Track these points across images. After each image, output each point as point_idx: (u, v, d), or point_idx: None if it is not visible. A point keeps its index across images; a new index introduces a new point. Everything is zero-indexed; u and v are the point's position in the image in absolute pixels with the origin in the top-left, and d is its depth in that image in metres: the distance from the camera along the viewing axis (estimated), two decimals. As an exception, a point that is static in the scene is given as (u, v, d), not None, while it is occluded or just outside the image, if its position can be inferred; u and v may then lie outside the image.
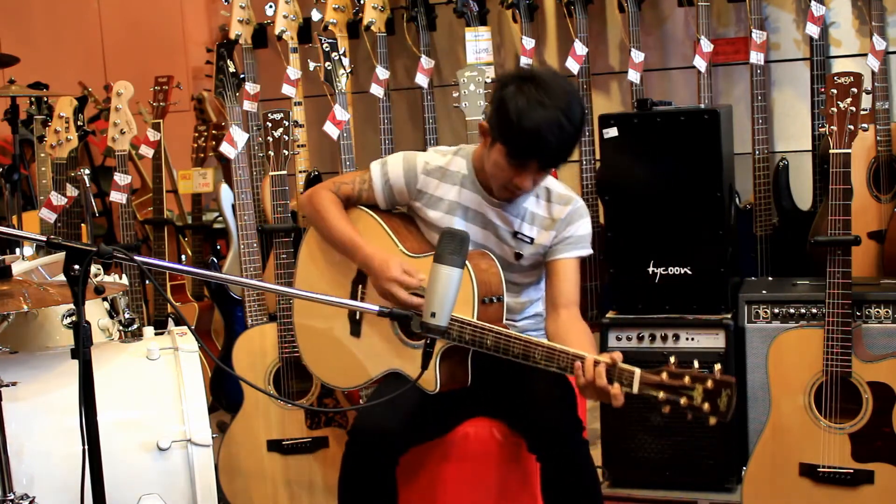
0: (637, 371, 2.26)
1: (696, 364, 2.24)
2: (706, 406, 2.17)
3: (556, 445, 2.54)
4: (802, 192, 3.84)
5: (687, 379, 2.20)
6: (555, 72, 2.61)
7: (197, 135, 4.72)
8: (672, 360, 2.26)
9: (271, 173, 3.33)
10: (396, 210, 2.87)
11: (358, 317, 2.80)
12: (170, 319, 4.16)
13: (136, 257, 2.01)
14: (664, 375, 2.22)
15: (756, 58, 3.76)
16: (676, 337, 3.34)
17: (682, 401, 2.20)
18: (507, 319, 2.75)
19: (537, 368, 2.46)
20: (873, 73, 3.55)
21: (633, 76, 3.91)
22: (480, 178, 2.71)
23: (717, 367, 2.23)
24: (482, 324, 2.49)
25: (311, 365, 2.95)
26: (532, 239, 2.70)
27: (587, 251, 2.73)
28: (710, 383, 2.18)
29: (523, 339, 2.45)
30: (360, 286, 2.81)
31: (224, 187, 4.46)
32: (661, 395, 2.22)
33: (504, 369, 2.72)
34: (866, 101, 2.98)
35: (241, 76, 3.71)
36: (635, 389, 2.25)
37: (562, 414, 2.59)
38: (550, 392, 2.64)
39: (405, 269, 2.60)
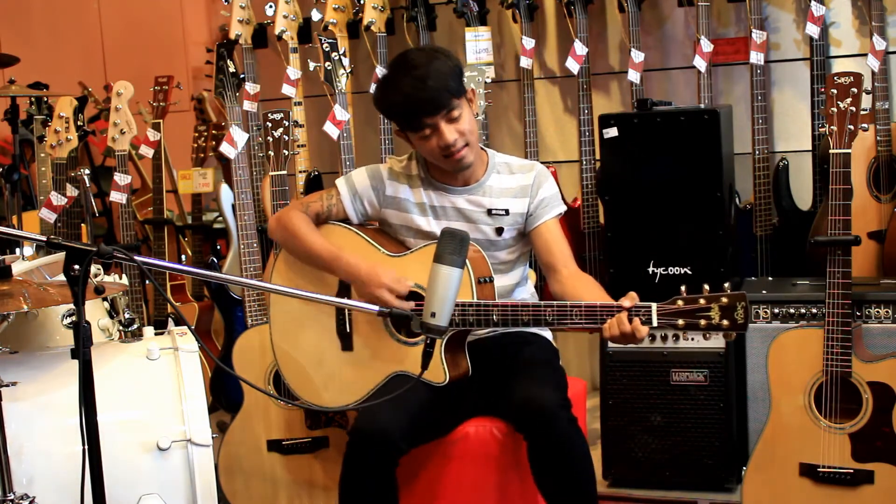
0: (653, 305, 2.40)
1: (706, 287, 2.37)
2: (725, 322, 2.33)
3: (540, 422, 2.54)
4: (802, 192, 3.84)
5: (702, 301, 2.35)
6: (408, 50, 2.89)
7: (197, 135, 4.72)
8: (683, 288, 2.37)
9: (271, 173, 3.33)
10: (368, 224, 2.89)
11: (348, 329, 2.80)
12: (170, 319, 4.16)
13: (136, 257, 2.01)
14: (680, 303, 2.37)
15: (756, 58, 3.76)
16: (676, 337, 3.34)
17: (703, 323, 2.35)
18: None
19: (531, 358, 2.48)
20: (873, 73, 3.55)
21: (633, 76, 3.91)
22: (435, 174, 2.78)
23: (726, 284, 2.36)
24: (485, 301, 2.57)
25: (303, 394, 2.88)
26: (507, 210, 2.76)
27: (562, 207, 2.82)
28: (725, 300, 2.33)
29: (531, 304, 2.54)
30: (346, 297, 2.77)
31: (224, 187, 4.46)
32: (681, 321, 2.36)
33: (501, 366, 2.73)
34: (866, 101, 2.98)
35: (241, 76, 3.71)
36: (654, 322, 2.40)
37: (546, 391, 2.59)
38: (535, 372, 2.67)
39: (395, 276, 2.65)
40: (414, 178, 2.80)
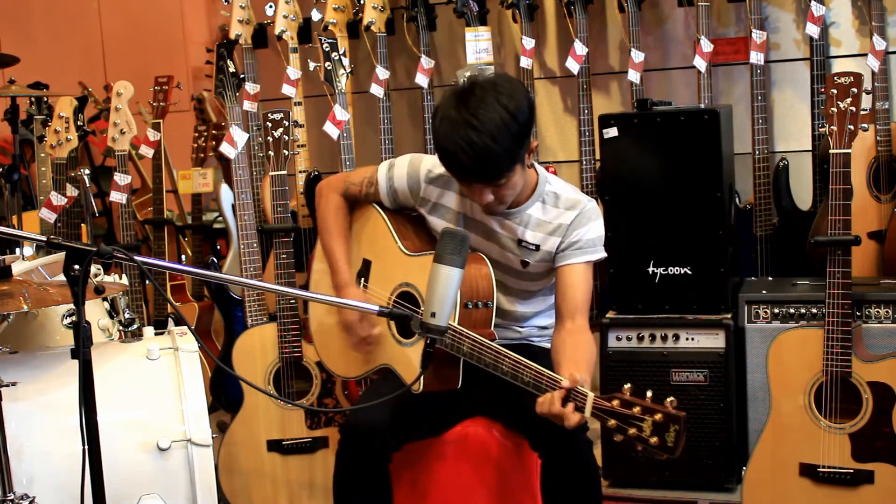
0: (591, 395, 2.22)
1: (649, 394, 2.16)
2: (654, 440, 2.11)
3: (559, 442, 2.52)
4: (802, 192, 3.84)
5: (637, 409, 2.14)
6: (490, 76, 2.54)
7: (197, 135, 4.72)
8: (626, 387, 2.19)
9: (271, 173, 3.33)
10: (407, 212, 2.86)
11: None
12: (170, 319, 4.16)
13: (136, 257, 2.01)
14: (616, 403, 2.17)
15: (756, 58, 3.76)
16: (676, 337, 3.34)
17: (632, 431, 2.14)
18: (511, 326, 2.75)
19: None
20: (873, 73, 3.55)
21: (633, 76, 3.91)
22: None
23: (669, 400, 2.13)
24: (461, 329, 2.47)
25: (319, 349, 2.97)
26: (537, 246, 2.64)
27: (598, 255, 2.65)
28: (659, 416, 2.11)
29: (494, 348, 2.42)
30: (363, 279, 2.83)
31: (224, 187, 4.46)
32: (612, 422, 2.17)
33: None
34: (866, 101, 2.98)
35: (241, 76, 3.72)
36: (587, 413, 2.21)
37: None
38: None
39: (362, 318, 2.70)
40: (456, 182, 2.69)
